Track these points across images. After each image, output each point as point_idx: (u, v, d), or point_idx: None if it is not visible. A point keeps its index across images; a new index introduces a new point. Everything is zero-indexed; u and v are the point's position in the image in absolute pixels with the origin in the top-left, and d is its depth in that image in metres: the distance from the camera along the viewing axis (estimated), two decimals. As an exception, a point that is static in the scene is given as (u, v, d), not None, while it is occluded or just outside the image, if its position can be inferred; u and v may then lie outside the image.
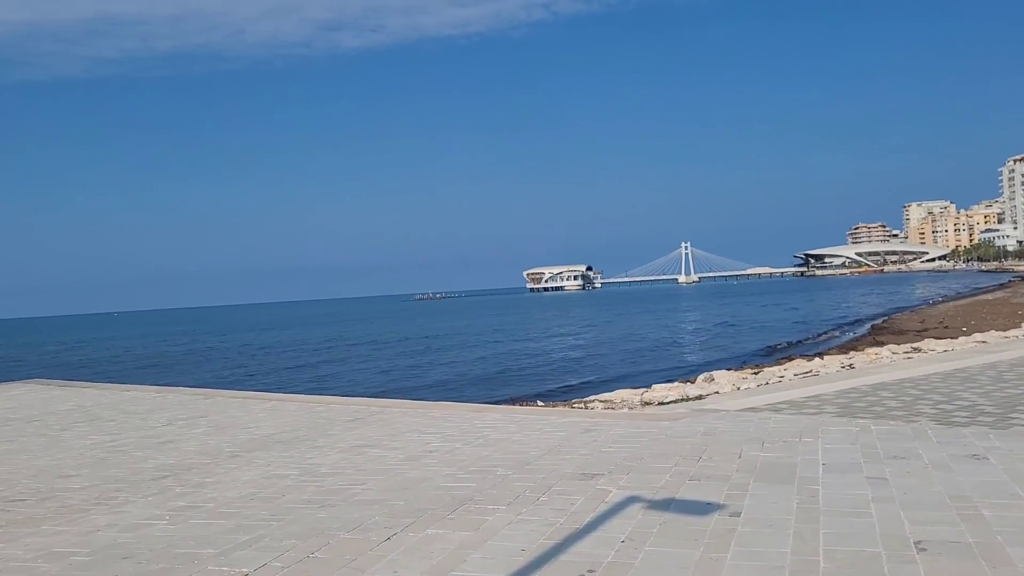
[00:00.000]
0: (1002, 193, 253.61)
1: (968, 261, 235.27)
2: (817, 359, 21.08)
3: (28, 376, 25.88)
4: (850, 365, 18.42)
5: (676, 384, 18.00)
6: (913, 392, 10.33)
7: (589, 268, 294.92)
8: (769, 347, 36.16)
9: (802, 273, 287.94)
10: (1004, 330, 27.58)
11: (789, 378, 16.54)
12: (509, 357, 40.32)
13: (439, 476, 6.45)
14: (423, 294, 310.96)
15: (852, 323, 48.27)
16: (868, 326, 42.22)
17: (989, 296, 58.34)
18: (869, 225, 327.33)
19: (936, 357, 16.75)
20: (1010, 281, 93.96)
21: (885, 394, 10.31)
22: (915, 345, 21.71)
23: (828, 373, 16.06)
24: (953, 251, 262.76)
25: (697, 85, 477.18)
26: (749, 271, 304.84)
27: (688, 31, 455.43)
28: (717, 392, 14.82)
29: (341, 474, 6.82)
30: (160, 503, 6.17)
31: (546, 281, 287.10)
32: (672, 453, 6.79)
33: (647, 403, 13.88)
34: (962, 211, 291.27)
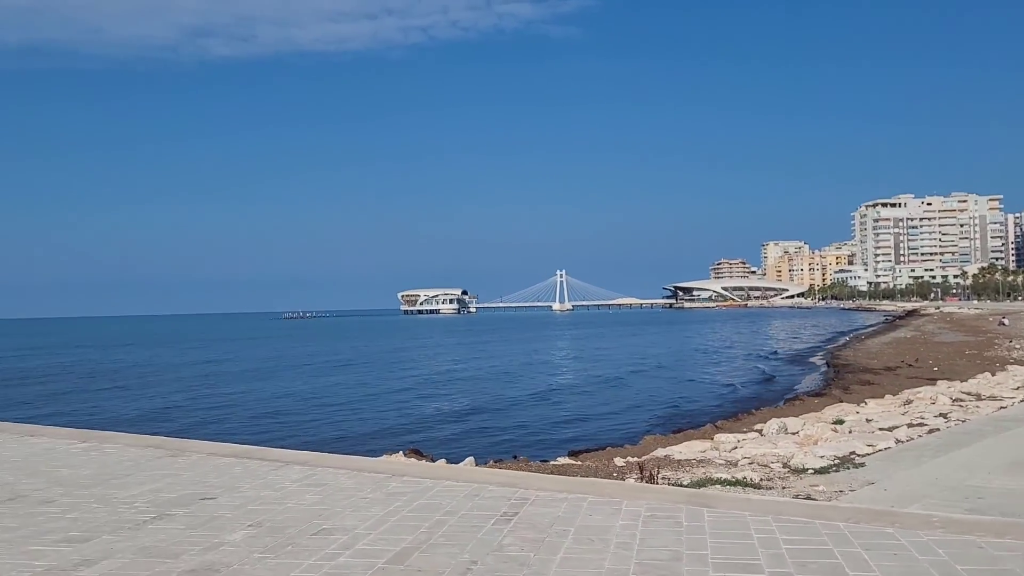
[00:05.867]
0: (854, 236, 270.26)
1: (824, 299, 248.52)
2: (843, 404, 18.47)
3: None
4: (924, 424, 15.75)
5: (747, 435, 14.66)
6: None
7: (464, 292, 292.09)
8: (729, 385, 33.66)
9: (671, 305, 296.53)
10: (989, 373, 26.16)
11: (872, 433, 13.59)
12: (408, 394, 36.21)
13: None
14: (293, 312, 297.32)
15: (791, 361, 46.00)
16: (823, 364, 39.88)
17: (904, 334, 58.75)
18: (731, 261, 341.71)
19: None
20: (894, 320, 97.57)
21: None
22: (964, 390, 19.41)
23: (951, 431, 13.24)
24: (809, 289, 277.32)
25: (571, 118, 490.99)
26: (620, 301, 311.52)
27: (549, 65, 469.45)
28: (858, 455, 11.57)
29: None
30: None
31: (421, 304, 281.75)
32: None
33: (788, 468, 10.42)
34: (816, 251, 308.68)
